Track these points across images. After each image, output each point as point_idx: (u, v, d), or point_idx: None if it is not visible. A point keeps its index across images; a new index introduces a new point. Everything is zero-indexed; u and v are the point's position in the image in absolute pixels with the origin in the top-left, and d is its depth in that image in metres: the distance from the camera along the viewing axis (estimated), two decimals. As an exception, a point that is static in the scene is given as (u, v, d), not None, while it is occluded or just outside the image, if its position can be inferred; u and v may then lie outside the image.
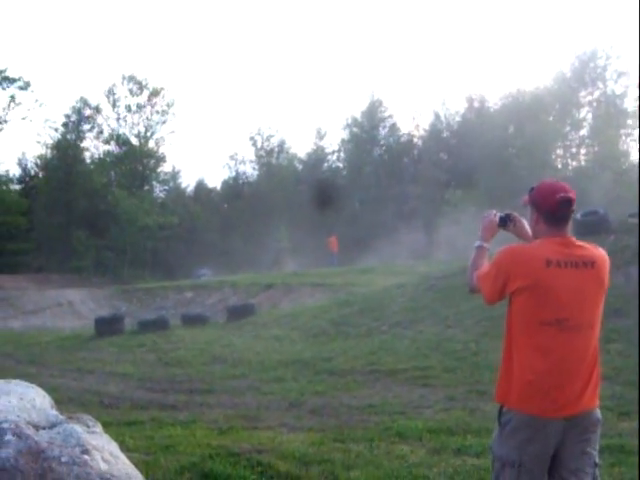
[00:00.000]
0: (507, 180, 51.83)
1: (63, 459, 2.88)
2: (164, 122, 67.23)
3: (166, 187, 72.89)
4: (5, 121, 58.22)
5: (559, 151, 61.13)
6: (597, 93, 60.69)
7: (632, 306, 14.23)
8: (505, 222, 4.01)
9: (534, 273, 3.43)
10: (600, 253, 3.61)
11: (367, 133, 67.47)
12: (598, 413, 3.55)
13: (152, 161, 68.47)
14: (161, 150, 68.38)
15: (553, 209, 3.53)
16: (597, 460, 3.55)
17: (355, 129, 68.43)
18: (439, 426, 8.54)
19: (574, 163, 61.07)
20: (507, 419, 3.50)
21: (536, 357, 3.42)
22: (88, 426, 3.88)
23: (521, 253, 3.54)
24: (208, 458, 6.74)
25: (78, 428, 3.63)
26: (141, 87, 66.25)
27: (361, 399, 11.33)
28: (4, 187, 62.19)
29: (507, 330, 3.59)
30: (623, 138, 59.03)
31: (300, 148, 76.96)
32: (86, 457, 3.06)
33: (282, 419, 9.92)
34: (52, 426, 3.58)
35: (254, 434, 8.45)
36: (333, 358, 15.66)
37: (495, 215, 4.05)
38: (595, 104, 60.57)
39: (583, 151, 61.54)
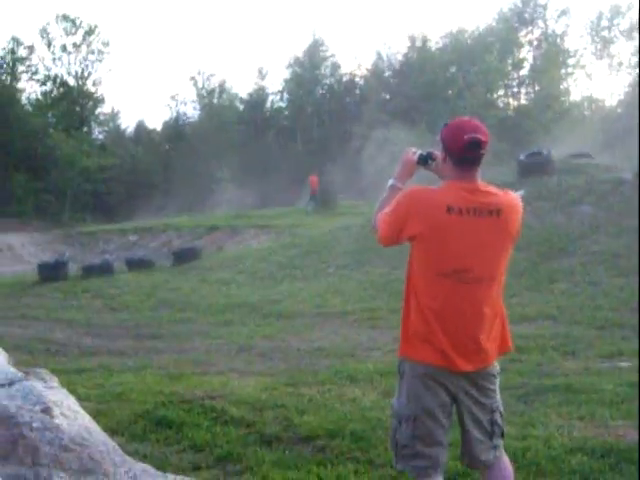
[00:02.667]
0: (449, 120, 51.99)
1: (35, 424, 2.85)
2: (101, 61, 65.89)
3: (105, 128, 71.90)
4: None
5: (500, 91, 61.52)
6: (538, 32, 61.05)
7: (577, 245, 14.52)
8: (426, 160, 3.61)
9: (433, 219, 3.20)
10: (509, 200, 3.33)
11: (309, 72, 66.95)
12: (496, 368, 3.42)
13: (90, 102, 67.18)
14: (99, 91, 67.30)
15: (460, 150, 3.23)
16: (495, 406, 3.40)
17: (297, 68, 67.86)
18: (389, 368, 8.53)
19: (515, 103, 61.57)
20: (402, 370, 3.37)
21: (432, 308, 3.24)
22: (45, 381, 3.85)
23: (422, 196, 3.27)
24: (161, 405, 6.72)
25: (37, 384, 3.61)
26: (75, 26, 64.54)
27: (310, 342, 11.36)
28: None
29: (407, 279, 3.39)
30: (564, 77, 59.59)
31: (242, 88, 76.41)
32: (57, 422, 3.03)
33: (232, 363, 9.90)
34: (10, 383, 3.54)
35: (205, 380, 8.43)
36: (280, 301, 15.73)
37: (414, 153, 3.68)
38: (536, 43, 60.97)
39: (524, 90, 62.04)
